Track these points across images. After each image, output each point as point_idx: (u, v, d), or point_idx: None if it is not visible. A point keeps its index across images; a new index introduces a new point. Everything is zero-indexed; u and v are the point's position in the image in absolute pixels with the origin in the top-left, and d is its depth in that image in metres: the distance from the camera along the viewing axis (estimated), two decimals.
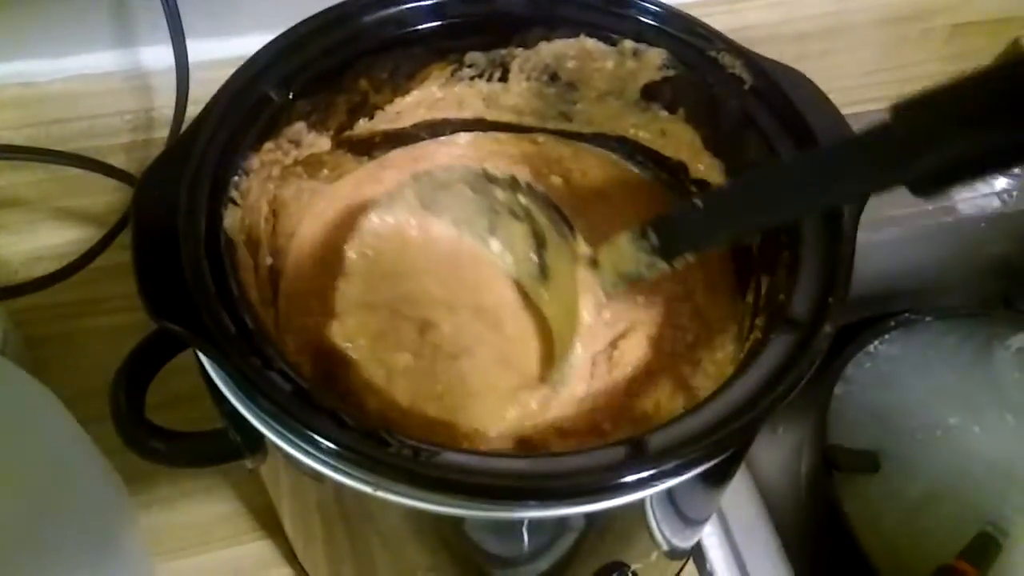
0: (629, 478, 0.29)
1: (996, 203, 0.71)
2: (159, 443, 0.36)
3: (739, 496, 0.55)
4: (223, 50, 0.53)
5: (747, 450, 0.39)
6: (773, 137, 0.38)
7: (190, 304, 0.31)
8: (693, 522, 0.45)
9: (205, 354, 0.31)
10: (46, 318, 0.57)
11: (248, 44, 0.40)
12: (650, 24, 0.41)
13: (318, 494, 0.37)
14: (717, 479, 0.40)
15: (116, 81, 0.56)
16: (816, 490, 0.61)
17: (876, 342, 0.66)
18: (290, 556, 0.51)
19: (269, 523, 0.51)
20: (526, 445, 0.38)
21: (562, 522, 0.33)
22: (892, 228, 0.68)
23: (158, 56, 0.55)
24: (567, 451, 0.33)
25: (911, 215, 0.68)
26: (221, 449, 0.36)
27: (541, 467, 0.30)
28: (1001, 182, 0.71)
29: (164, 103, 0.56)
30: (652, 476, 0.29)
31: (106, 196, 0.58)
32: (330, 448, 0.29)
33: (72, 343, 0.56)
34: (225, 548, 0.51)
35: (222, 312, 0.31)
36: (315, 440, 0.29)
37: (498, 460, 0.30)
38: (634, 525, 0.37)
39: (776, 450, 0.67)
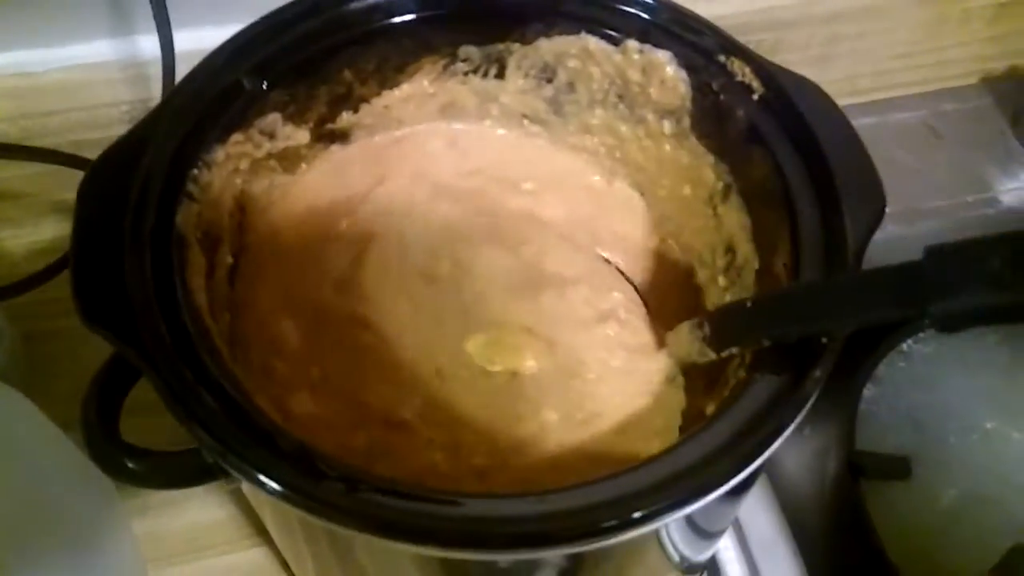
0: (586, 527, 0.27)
1: None
2: (132, 462, 0.33)
3: (757, 506, 0.53)
4: (216, 39, 0.50)
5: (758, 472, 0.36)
6: (779, 153, 0.35)
7: (127, 308, 0.29)
8: (707, 534, 0.43)
9: (134, 364, 0.29)
10: (49, 313, 0.54)
11: None
12: (655, 23, 0.38)
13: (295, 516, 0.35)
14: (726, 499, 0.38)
15: (112, 71, 0.54)
16: (841, 496, 0.58)
17: (910, 340, 0.62)
18: (286, 566, 0.49)
19: (266, 530, 0.50)
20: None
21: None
22: (929, 220, 0.64)
23: (154, 45, 0.52)
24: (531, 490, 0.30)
25: (950, 207, 0.64)
26: (198, 469, 0.34)
27: (495, 509, 0.27)
28: None
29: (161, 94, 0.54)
30: (616, 526, 0.27)
31: None
32: (257, 477, 0.27)
33: (73, 339, 0.55)
34: (221, 555, 0.49)
35: (159, 317, 0.29)
36: (240, 466, 0.27)
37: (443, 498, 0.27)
38: (626, 555, 0.35)
39: (801, 452, 0.64)
